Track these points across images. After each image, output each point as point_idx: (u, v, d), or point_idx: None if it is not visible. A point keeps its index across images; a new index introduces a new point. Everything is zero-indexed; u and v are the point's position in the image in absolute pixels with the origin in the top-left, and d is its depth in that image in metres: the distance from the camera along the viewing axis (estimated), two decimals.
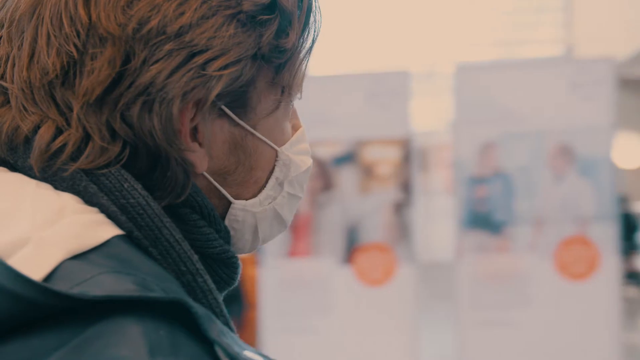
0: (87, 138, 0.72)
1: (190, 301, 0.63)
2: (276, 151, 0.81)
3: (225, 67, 0.73)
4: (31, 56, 0.73)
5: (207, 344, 0.63)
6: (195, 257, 0.73)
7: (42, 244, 0.65)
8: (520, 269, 5.11)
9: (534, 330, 4.96)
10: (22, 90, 0.73)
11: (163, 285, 0.66)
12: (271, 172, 0.82)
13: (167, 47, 0.71)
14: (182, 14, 0.71)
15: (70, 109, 0.72)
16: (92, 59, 0.71)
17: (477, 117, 5.07)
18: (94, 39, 0.71)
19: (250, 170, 0.80)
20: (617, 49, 11.11)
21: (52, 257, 0.65)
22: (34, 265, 0.64)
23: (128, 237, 0.71)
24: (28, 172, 0.74)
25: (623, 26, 11.75)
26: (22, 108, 0.73)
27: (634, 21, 11.49)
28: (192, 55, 0.71)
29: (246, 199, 0.81)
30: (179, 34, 0.71)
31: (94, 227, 0.68)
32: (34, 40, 0.73)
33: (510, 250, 5.16)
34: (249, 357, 0.65)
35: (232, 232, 0.81)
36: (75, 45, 0.71)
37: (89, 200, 0.71)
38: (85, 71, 0.71)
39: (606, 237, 5.32)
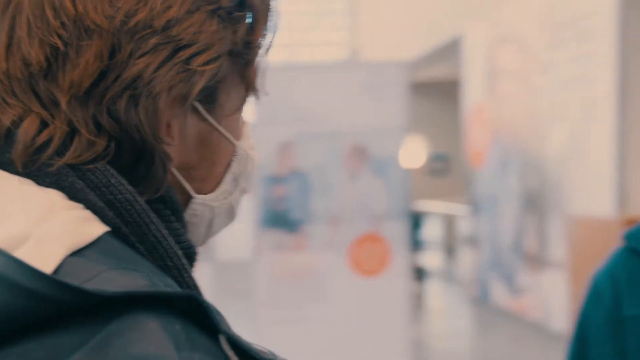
0: (73, 132, 0.70)
1: (200, 296, 0.64)
2: (234, 146, 0.82)
3: (208, 62, 0.73)
4: (8, 46, 0.72)
5: (214, 338, 0.64)
6: (180, 253, 0.74)
7: (43, 241, 0.65)
8: (317, 266, 5.23)
9: (330, 325, 5.09)
10: (1, 81, 0.72)
11: (164, 281, 0.67)
12: (228, 167, 0.83)
13: (153, 40, 0.71)
14: (169, 7, 0.72)
15: (54, 102, 0.70)
16: (77, 52, 0.70)
17: (275, 117, 5.14)
18: (80, 31, 0.70)
19: (213, 165, 0.81)
20: (401, 53, 11.56)
21: (56, 253, 0.64)
22: (39, 261, 0.63)
23: (114, 234, 0.70)
24: (6, 168, 0.72)
25: (407, 30, 12.25)
26: (1, 100, 0.71)
27: (417, 26, 12.01)
28: (177, 50, 0.72)
29: (205, 194, 0.81)
30: (165, 27, 0.71)
31: (84, 224, 0.68)
32: (12, 29, 0.72)
33: (307, 248, 5.26)
34: (261, 349, 0.67)
35: (189, 227, 0.82)
36: (60, 37, 0.70)
37: (73, 196, 0.70)
38: (71, 64, 0.70)
39: (397, 234, 5.53)
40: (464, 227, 11.59)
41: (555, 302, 7.66)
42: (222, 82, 0.77)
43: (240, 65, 0.79)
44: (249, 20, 0.78)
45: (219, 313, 0.65)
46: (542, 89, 8.25)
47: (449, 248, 13.04)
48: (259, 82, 0.82)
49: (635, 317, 1.62)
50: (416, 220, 11.61)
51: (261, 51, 0.81)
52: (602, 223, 6.11)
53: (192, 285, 0.74)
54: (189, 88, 0.73)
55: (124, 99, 0.70)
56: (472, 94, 10.57)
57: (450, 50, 11.57)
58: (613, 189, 6.69)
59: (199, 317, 0.64)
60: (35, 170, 0.70)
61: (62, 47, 0.70)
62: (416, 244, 11.37)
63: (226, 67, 0.76)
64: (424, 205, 13.52)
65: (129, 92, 0.70)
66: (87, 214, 0.69)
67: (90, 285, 0.61)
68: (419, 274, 11.05)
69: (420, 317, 9.28)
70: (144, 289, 0.63)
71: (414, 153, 15.61)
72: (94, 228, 0.68)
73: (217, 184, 0.82)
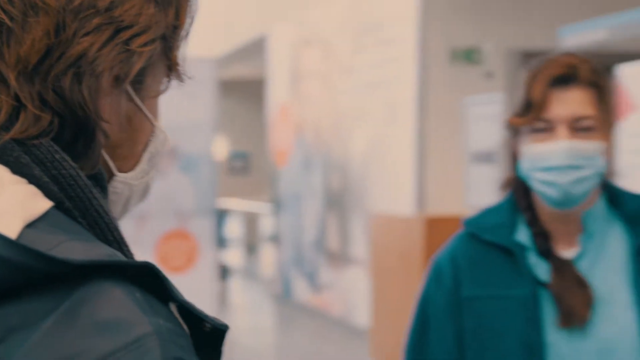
0: (19, 107, 0.72)
1: (156, 267, 0.67)
2: (154, 127, 0.85)
3: (146, 44, 0.76)
4: None
5: (165, 305, 0.68)
6: (119, 228, 0.76)
7: (1, 213, 0.67)
8: None
9: None
10: None
11: (115, 252, 0.70)
12: (146, 146, 0.85)
13: (96, 20, 0.73)
14: None
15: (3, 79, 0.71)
16: (23, 28, 0.71)
17: None
18: (27, 8, 0.72)
19: (134, 144, 0.83)
20: (205, 50, 11.54)
21: (14, 225, 0.66)
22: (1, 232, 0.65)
23: (58, 208, 0.72)
24: None
25: (211, 28, 12.23)
26: None
27: (221, 23, 12.02)
28: (119, 30, 0.74)
29: (125, 172, 0.83)
30: (108, 8, 0.74)
31: (32, 198, 0.70)
32: None
33: None
34: (214, 317, 0.71)
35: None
36: (6, 12, 0.72)
37: (18, 171, 0.71)
38: (16, 39, 0.71)
39: (204, 231, 5.55)
40: (266, 225, 11.72)
41: (356, 298, 7.89)
42: (152, 64, 0.79)
43: (167, 49, 0.81)
44: (176, 5, 0.81)
45: (171, 282, 0.68)
46: (345, 91, 8.48)
47: (251, 246, 13.14)
48: (181, 67, 0.84)
49: (472, 298, 1.75)
50: (221, 218, 11.64)
51: (183, 36, 0.83)
52: (402, 221, 6.36)
53: (131, 258, 0.76)
54: (128, 68, 0.75)
55: (68, 77, 0.71)
56: (277, 94, 10.71)
57: (255, 49, 11.66)
58: (413, 189, 6.98)
59: (152, 286, 0.67)
60: None
61: (8, 22, 0.71)
62: (222, 242, 11.40)
63: (158, 50, 0.79)
64: (224, 203, 13.56)
65: (73, 70, 0.72)
66: (33, 188, 0.71)
67: (54, 254, 0.64)
68: (222, 271, 11.07)
69: (224, 313, 9.31)
70: (106, 258, 0.66)
71: (215, 151, 15.63)
72: (41, 202, 0.70)
73: (136, 163, 0.84)
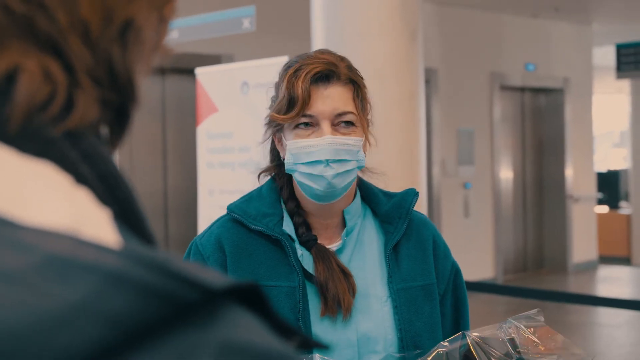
0: (73, 87, 0.52)
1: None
2: None
3: (172, 12, 0.61)
4: None
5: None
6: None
7: (96, 226, 0.47)
8: None
9: None
10: None
11: None
12: None
13: None
14: None
15: (54, 47, 0.51)
16: None
17: None
18: None
19: None
20: None
21: (115, 239, 0.48)
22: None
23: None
24: None
25: None
26: None
27: None
28: None
29: None
30: None
31: (95, 203, 0.50)
32: None
33: None
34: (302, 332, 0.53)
35: None
36: None
37: (66, 168, 0.50)
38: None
39: None
40: None
41: None
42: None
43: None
44: None
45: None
46: None
47: None
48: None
49: None
50: None
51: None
52: None
53: None
54: (159, 38, 0.60)
55: (117, 45, 0.55)
56: None
57: None
58: None
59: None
60: (21, 135, 0.49)
61: None
62: None
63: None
64: None
65: (121, 36, 0.55)
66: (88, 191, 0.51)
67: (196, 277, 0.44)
68: None
69: None
70: (236, 280, 0.45)
71: None
72: (101, 206, 0.50)
73: None
